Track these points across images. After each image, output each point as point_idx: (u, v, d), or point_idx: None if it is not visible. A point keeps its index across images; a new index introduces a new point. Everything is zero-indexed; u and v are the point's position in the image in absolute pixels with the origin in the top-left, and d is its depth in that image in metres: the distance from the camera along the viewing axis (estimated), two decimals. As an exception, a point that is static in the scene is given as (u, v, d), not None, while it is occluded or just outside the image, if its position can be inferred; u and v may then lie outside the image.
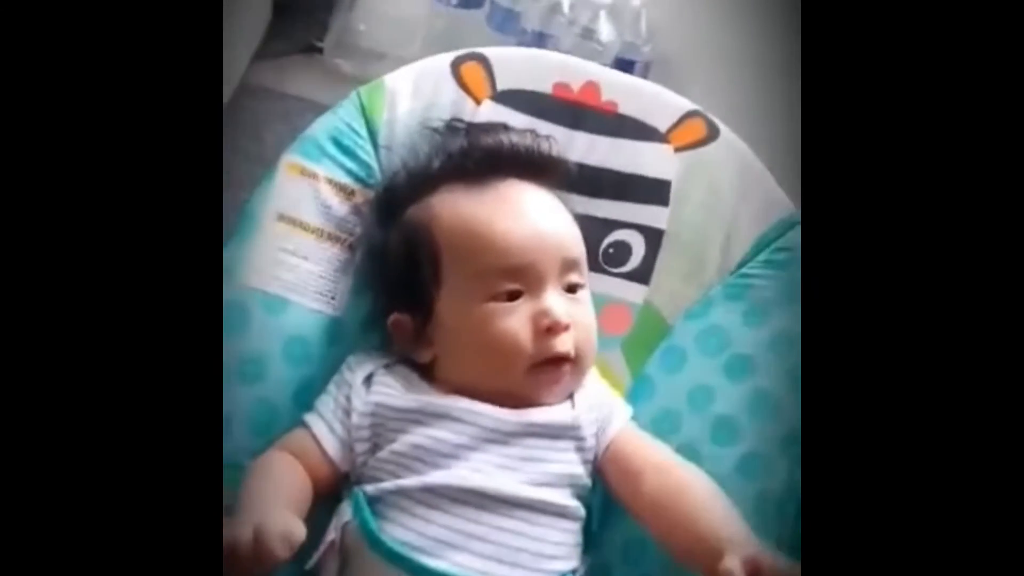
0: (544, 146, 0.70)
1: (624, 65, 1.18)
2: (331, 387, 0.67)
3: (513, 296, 0.63)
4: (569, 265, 0.65)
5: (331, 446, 0.64)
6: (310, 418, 0.65)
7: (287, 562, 0.53)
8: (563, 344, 0.63)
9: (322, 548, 0.60)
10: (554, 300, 0.63)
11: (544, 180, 0.69)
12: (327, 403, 0.66)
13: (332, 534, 0.61)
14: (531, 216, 0.65)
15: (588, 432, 0.65)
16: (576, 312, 0.65)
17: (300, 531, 0.53)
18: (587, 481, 0.65)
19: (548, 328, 0.62)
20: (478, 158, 0.68)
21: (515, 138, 0.69)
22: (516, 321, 0.63)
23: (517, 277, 0.63)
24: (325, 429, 0.64)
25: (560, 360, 0.63)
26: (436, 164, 0.69)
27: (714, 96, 0.94)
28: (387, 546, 0.58)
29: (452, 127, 0.71)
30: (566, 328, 0.63)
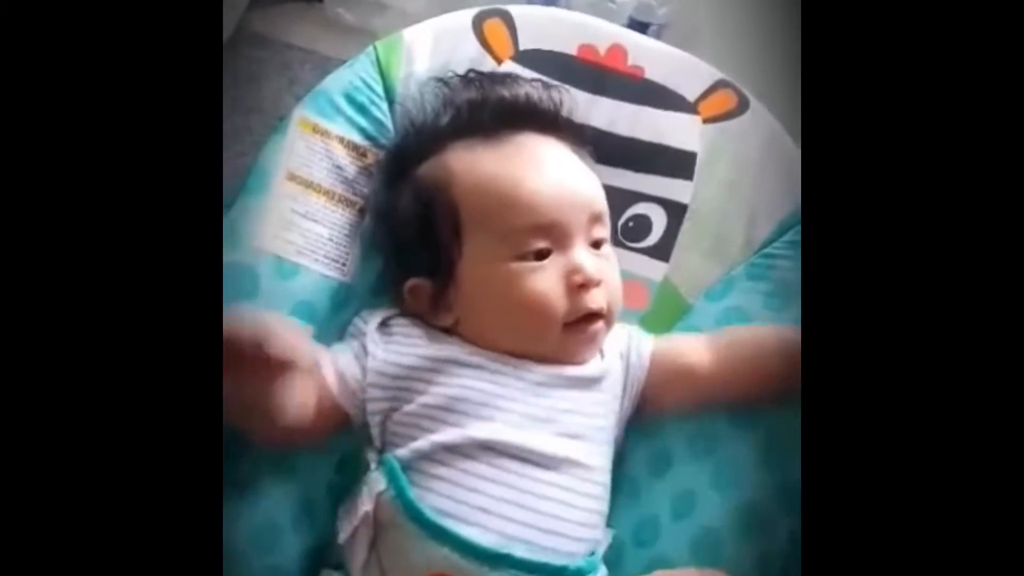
0: (557, 98, 0.66)
1: (638, 27, 1.15)
2: (345, 337, 0.64)
3: (541, 255, 0.61)
4: (595, 219, 0.63)
5: (334, 380, 0.60)
6: (319, 355, 0.61)
7: (284, 365, 0.54)
8: (596, 300, 0.61)
9: (356, 520, 0.57)
10: (584, 256, 0.61)
11: (560, 133, 0.66)
12: (339, 348, 0.63)
13: (367, 505, 0.57)
14: (555, 171, 0.63)
15: (619, 377, 0.64)
16: (604, 267, 0.62)
17: (305, 337, 0.54)
18: (619, 433, 0.64)
19: (581, 285, 0.60)
20: (492, 111, 0.65)
21: (529, 89, 0.66)
22: (547, 280, 0.60)
23: (545, 234, 0.61)
24: (327, 360, 0.61)
25: (594, 317, 0.61)
26: (446, 119, 0.65)
27: (731, 64, 0.92)
28: (427, 517, 0.56)
29: (463, 79, 0.68)
30: (598, 284, 0.61)
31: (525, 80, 0.67)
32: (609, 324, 0.63)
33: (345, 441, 0.62)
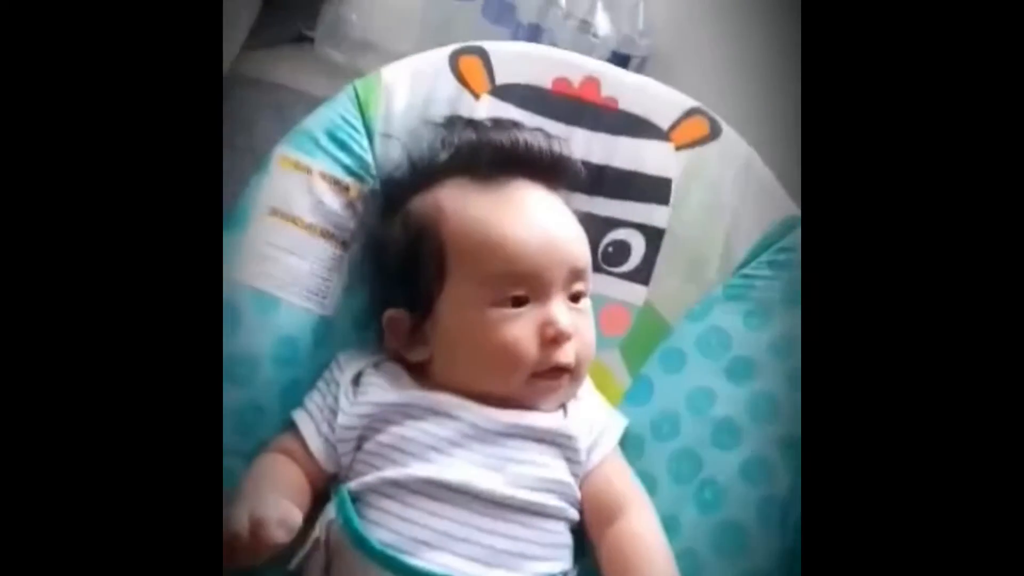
0: (556, 147, 0.68)
1: (621, 59, 1.17)
2: (320, 384, 0.65)
3: (519, 302, 0.62)
4: (576, 275, 0.64)
5: (316, 447, 0.63)
6: (298, 417, 0.64)
7: (282, 547, 0.55)
8: (566, 355, 0.62)
9: (307, 547, 0.59)
10: (559, 309, 0.63)
11: (553, 182, 0.68)
12: (315, 401, 0.65)
13: (317, 532, 0.60)
14: (542, 222, 0.64)
15: (581, 444, 0.63)
16: (579, 322, 0.64)
17: (296, 516, 0.55)
18: (576, 492, 0.63)
19: (553, 338, 0.62)
20: (490, 155, 0.66)
21: (528, 137, 0.67)
22: (521, 329, 0.62)
23: (525, 284, 0.62)
24: (312, 430, 0.63)
25: (561, 370, 0.63)
26: (443, 156, 0.67)
27: (712, 92, 0.93)
28: (370, 544, 0.57)
29: (462, 120, 0.69)
30: (569, 338, 0.62)
31: (527, 128, 0.69)
32: (576, 378, 0.64)
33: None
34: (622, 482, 0.64)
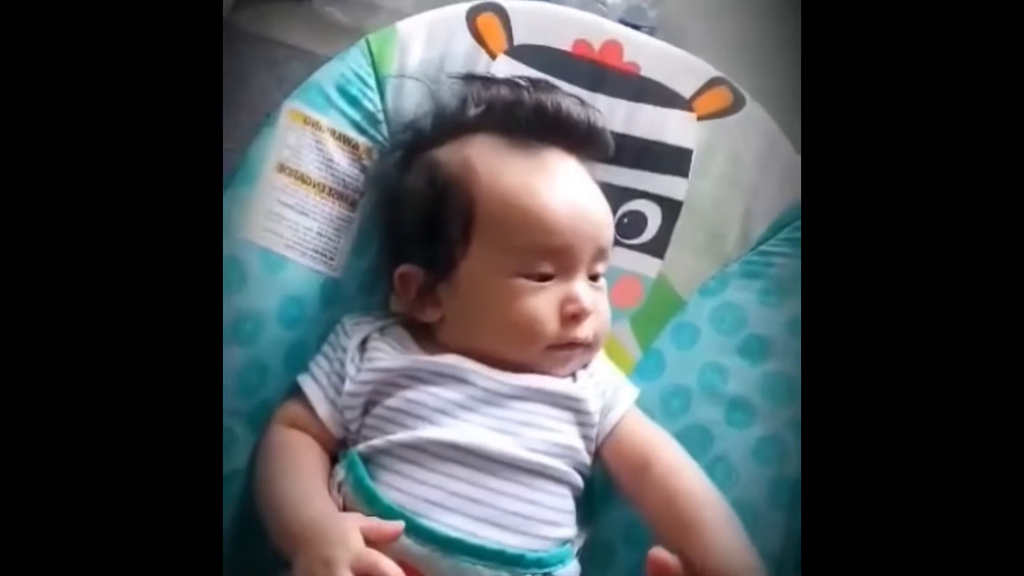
0: (592, 117, 0.66)
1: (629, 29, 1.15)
2: (326, 349, 0.64)
3: (544, 277, 0.61)
4: (601, 253, 0.63)
5: (325, 413, 0.61)
6: (305, 384, 0.62)
7: None
8: (584, 331, 0.61)
9: None
10: (582, 287, 0.62)
11: (584, 153, 0.66)
12: (322, 366, 0.63)
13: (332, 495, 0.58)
14: (576, 197, 0.63)
15: (592, 407, 0.62)
16: (598, 300, 0.63)
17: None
18: (586, 457, 0.62)
19: (574, 315, 0.61)
20: (529, 116, 0.64)
21: (567, 104, 0.65)
22: (544, 303, 0.60)
23: (553, 258, 0.61)
24: (320, 396, 0.62)
25: (578, 344, 0.62)
26: (474, 111, 0.64)
27: (721, 65, 0.92)
28: (384, 504, 0.56)
29: (504, 80, 0.67)
30: (589, 315, 0.61)
31: (564, 93, 0.67)
32: (591, 352, 0.64)
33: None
34: (647, 431, 0.64)
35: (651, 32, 1.17)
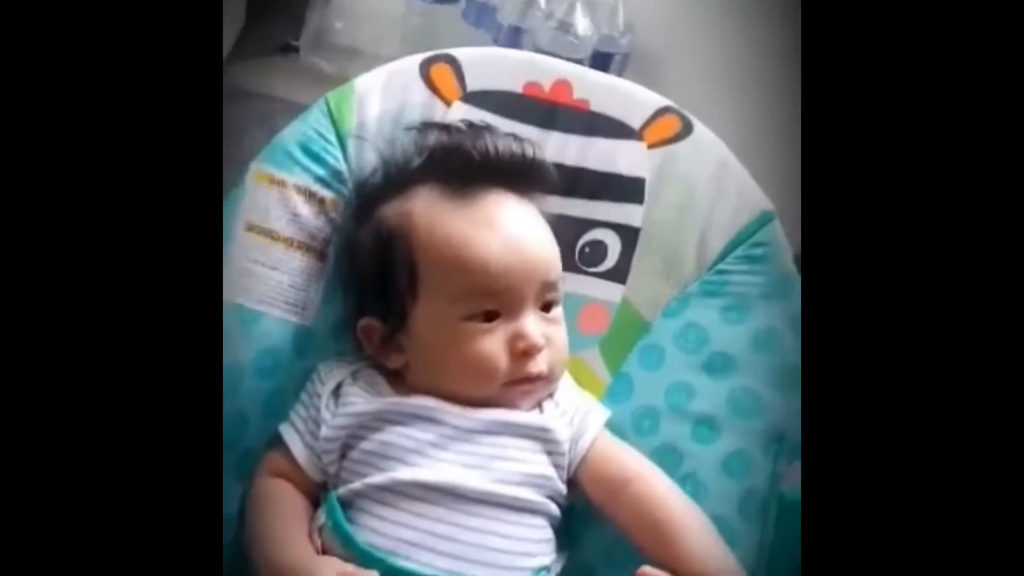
0: (528, 152, 0.68)
1: (602, 58, 1.17)
2: (303, 396, 0.67)
3: (490, 316, 0.63)
4: (548, 287, 0.65)
5: (304, 459, 0.64)
6: (285, 431, 0.65)
7: None
8: (537, 365, 0.63)
9: None
10: (531, 323, 0.63)
11: (526, 188, 0.68)
12: (300, 414, 0.66)
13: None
14: (514, 238, 0.64)
15: (560, 437, 0.64)
16: (551, 332, 0.65)
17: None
18: (560, 485, 0.64)
19: (524, 351, 0.63)
20: (462, 163, 0.66)
21: (500, 143, 0.67)
22: (493, 343, 0.63)
23: (495, 298, 0.63)
24: (299, 442, 0.65)
25: (534, 379, 0.64)
26: (416, 162, 0.67)
27: (693, 89, 0.94)
28: (360, 547, 0.59)
29: (439, 126, 0.70)
30: (540, 350, 0.63)
31: (499, 133, 0.69)
32: (550, 383, 0.66)
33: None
34: (619, 452, 0.65)
35: (624, 59, 1.19)
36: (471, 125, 0.69)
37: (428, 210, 0.65)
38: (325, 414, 0.64)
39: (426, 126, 0.70)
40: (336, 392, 0.65)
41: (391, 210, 0.67)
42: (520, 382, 0.63)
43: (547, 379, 0.65)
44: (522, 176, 0.68)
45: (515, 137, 0.69)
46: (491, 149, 0.67)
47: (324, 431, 0.63)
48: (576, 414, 0.66)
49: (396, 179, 0.68)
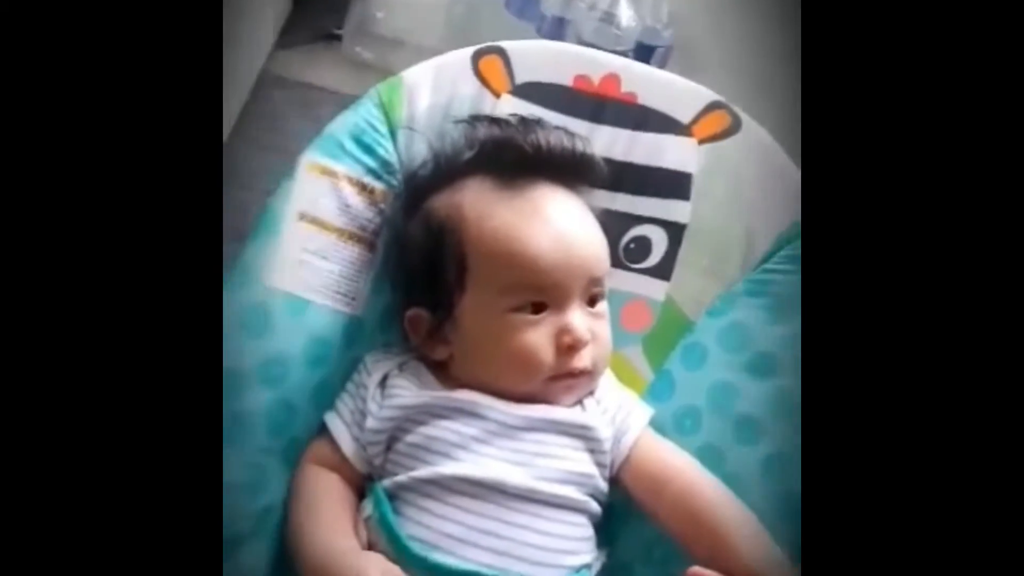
0: (578, 146, 0.68)
1: (645, 50, 1.17)
2: (350, 387, 0.67)
3: (537, 309, 0.63)
4: (595, 282, 0.65)
5: (350, 450, 0.65)
6: (331, 422, 0.66)
7: None
8: (582, 360, 0.64)
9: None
10: (577, 317, 0.64)
11: (575, 182, 0.68)
12: (346, 404, 0.66)
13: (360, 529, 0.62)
14: (563, 232, 0.65)
15: (603, 435, 0.65)
16: (596, 327, 0.65)
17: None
18: (602, 484, 0.64)
19: (570, 346, 0.63)
20: (513, 157, 0.67)
21: (551, 138, 0.68)
22: (539, 336, 0.63)
23: (543, 292, 0.63)
24: (345, 434, 0.65)
25: (578, 374, 0.64)
26: (467, 154, 0.68)
27: (736, 82, 0.93)
28: (403, 542, 0.59)
29: (487, 118, 0.70)
30: (586, 345, 0.64)
31: (550, 127, 0.69)
32: (593, 379, 0.66)
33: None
34: (661, 449, 0.66)
35: (667, 51, 1.19)
36: (522, 120, 0.69)
37: (478, 203, 0.66)
38: (371, 406, 0.65)
39: (476, 119, 0.70)
40: (382, 384, 0.66)
41: (440, 202, 0.67)
42: (563, 377, 0.64)
43: (590, 375, 0.65)
44: (572, 170, 0.68)
45: (566, 131, 0.69)
46: (543, 143, 0.67)
47: (370, 423, 0.64)
48: (618, 412, 0.67)
49: (446, 171, 0.68)
